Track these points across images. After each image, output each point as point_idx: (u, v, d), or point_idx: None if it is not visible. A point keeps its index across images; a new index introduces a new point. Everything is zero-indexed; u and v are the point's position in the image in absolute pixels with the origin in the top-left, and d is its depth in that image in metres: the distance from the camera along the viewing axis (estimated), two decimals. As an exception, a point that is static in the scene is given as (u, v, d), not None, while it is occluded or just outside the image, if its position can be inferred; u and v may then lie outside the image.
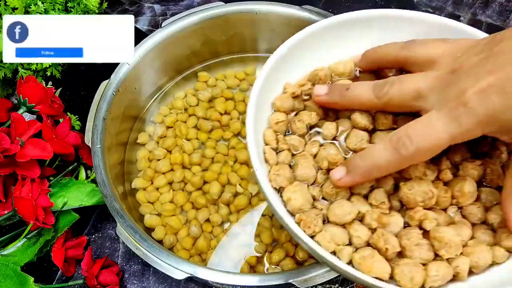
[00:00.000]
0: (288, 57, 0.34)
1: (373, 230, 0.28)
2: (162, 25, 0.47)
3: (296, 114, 0.34)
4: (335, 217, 0.29)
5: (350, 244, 0.28)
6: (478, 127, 0.23)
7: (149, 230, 0.43)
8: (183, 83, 0.53)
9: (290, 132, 0.34)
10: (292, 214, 0.30)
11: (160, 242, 0.42)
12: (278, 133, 0.33)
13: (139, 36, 0.45)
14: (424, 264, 0.27)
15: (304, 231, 0.28)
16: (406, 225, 0.29)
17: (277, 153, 0.33)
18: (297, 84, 0.36)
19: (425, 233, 0.28)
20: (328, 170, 0.31)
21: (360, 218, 0.29)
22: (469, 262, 0.27)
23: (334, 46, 0.35)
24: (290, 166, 0.32)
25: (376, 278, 0.26)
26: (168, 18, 0.49)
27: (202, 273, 0.35)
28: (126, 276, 0.43)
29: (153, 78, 0.50)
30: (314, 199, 0.31)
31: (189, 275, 0.35)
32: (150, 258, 0.36)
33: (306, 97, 0.35)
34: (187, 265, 0.35)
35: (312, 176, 0.31)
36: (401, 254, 0.28)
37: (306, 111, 0.34)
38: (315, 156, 0.32)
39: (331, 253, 0.28)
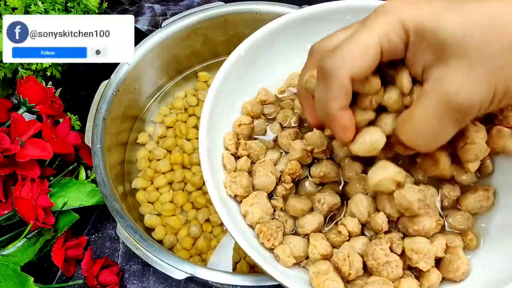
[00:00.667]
0: (249, 57, 0.34)
1: (337, 247, 0.28)
2: (162, 25, 0.47)
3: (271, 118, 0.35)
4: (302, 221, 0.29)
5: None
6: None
7: (149, 230, 0.43)
8: (183, 83, 0.53)
9: (255, 137, 0.33)
10: (252, 227, 0.29)
11: (160, 242, 0.42)
12: (239, 136, 0.32)
13: (139, 36, 0.45)
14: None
15: (263, 244, 0.28)
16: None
17: (236, 159, 0.32)
18: (278, 90, 0.36)
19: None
20: (293, 180, 0.30)
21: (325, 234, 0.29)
22: (439, 276, 0.26)
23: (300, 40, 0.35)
24: (250, 173, 0.31)
25: None
26: (168, 18, 0.49)
27: (202, 273, 0.35)
28: (126, 276, 0.43)
29: (153, 78, 0.50)
30: (275, 209, 0.30)
31: (189, 275, 0.35)
32: (150, 258, 0.36)
33: (287, 98, 0.36)
34: (187, 265, 0.35)
35: (270, 183, 0.30)
36: (368, 271, 0.27)
37: (282, 111, 0.34)
38: (276, 163, 0.31)
39: (291, 266, 0.28)
